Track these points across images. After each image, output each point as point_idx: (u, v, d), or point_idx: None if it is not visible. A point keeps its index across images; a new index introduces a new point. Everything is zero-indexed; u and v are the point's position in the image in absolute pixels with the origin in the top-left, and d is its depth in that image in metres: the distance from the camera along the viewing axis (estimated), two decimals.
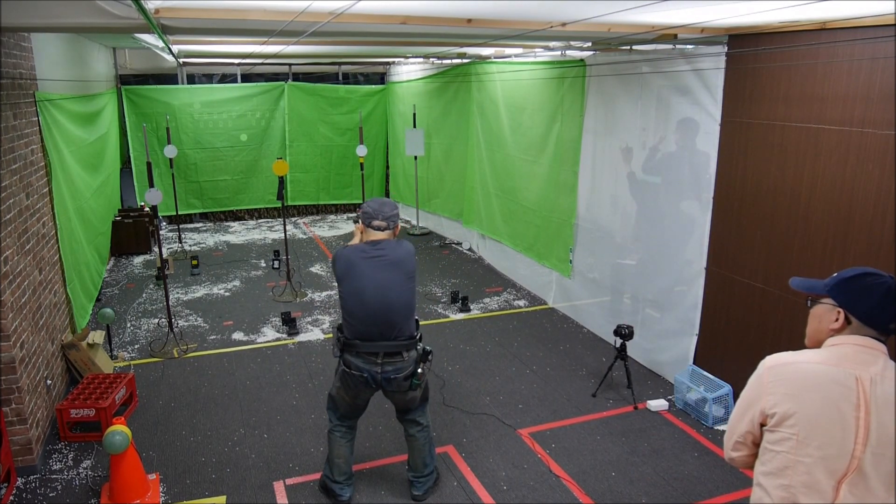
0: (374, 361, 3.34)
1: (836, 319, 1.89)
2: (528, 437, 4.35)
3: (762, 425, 1.93)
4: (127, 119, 9.60)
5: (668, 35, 4.27)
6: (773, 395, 1.87)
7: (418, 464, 3.70)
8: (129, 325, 6.29)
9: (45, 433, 4.22)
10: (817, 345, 1.96)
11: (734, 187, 4.33)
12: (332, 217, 11.27)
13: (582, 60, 5.81)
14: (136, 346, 5.80)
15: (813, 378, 1.84)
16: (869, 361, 1.83)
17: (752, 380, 1.96)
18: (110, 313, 5.33)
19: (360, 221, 3.42)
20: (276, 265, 8.16)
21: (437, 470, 3.85)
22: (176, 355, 5.61)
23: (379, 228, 3.36)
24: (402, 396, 3.48)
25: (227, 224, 10.73)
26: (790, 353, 1.93)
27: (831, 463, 1.80)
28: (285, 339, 5.98)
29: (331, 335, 6.05)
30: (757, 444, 1.97)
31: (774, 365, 1.90)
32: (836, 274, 1.94)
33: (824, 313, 1.93)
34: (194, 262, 7.96)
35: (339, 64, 10.66)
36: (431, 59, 8.74)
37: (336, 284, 3.53)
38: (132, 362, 5.48)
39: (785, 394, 1.85)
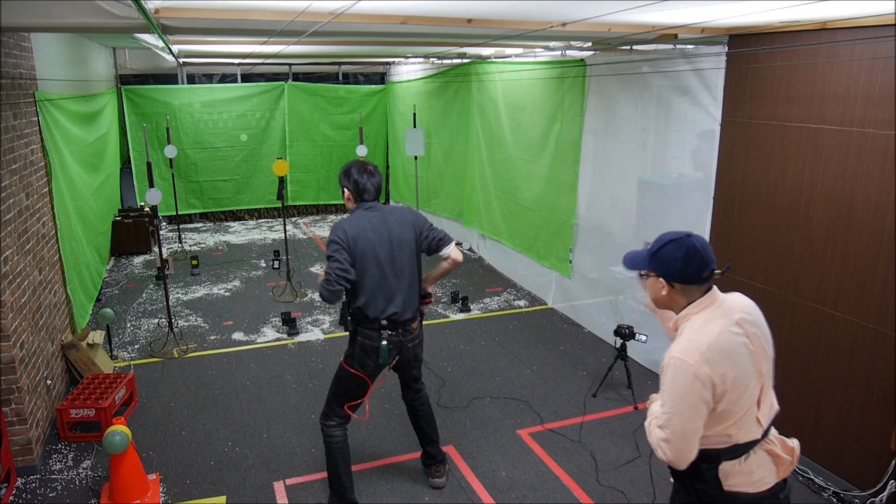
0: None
1: (663, 287, 2.11)
2: (528, 437, 4.35)
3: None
4: (127, 119, 9.60)
5: (668, 35, 4.27)
6: (717, 378, 1.98)
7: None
8: (129, 325, 6.29)
9: (44, 433, 4.22)
10: (665, 307, 2.18)
11: (734, 187, 4.32)
12: (333, 217, 11.27)
13: (582, 60, 5.81)
14: (136, 347, 5.80)
15: (726, 339, 2.02)
16: (727, 308, 2.08)
17: (685, 381, 1.97)
18: (110, 313, 5.33)
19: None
20: (276, 265, 8.16)
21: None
22: (176, 355, 5.61)
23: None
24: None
25: (227, 224, 10.73)
26: (689, 338, 2.02)
27: (753, 390, 2.08)
28: (285, 340, 5.98)
29: (331, 335, 6.05)
30: None
31: (699, 355, 1.97)
32: (652, 242, 2.14)
33: (653, 284, 2.15)
34: (194, 262, 7.96)
35: (339, 64, 10.66)
36: (431, 59, 8.74)
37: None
38: (132, 362, 5.48)
39: (723, 371, 1.99)
